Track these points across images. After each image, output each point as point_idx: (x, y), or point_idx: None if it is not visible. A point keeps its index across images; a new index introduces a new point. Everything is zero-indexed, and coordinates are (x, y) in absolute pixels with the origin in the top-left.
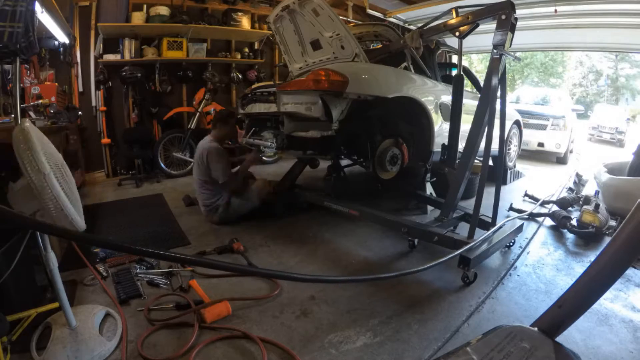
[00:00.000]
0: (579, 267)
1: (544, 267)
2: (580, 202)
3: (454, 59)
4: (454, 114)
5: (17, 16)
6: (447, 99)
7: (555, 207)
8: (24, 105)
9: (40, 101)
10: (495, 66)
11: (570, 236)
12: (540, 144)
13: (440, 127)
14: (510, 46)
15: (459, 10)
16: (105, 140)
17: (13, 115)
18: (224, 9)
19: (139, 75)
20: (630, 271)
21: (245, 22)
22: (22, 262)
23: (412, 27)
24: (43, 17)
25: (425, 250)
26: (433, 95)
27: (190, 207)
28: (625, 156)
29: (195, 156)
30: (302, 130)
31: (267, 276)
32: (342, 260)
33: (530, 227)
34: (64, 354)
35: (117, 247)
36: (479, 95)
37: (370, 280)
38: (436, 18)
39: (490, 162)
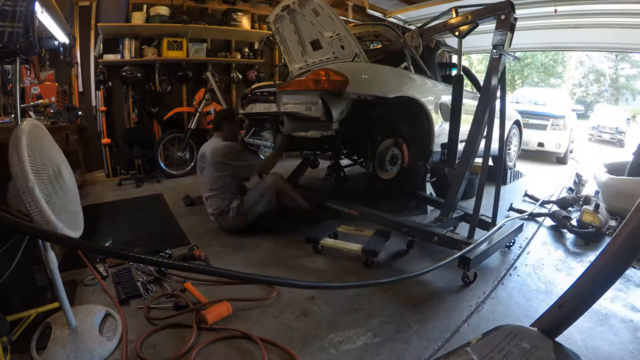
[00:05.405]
0: (579, 267)
1: (544, 267)
2: (580, 202)
3: (454, 59)
4: (453, 114)
5: (17, 16)
6: (447, 98)
7: (555, 207)
8: (24, 105)
9: (40, 101)
10: (494, 66)
11: (570, 236)
12: (540, 144)
13: (440, 127)
14: (509, 46)
15: (459, 10)
16: (105, 140)
17: (13, 115)
18: (224, 9)
19: (139, 75)
20: (630, 271)
21: (245, 22)
22: (22, 262)
23: (412, 27)
24: (43, 17)
25: (424, 249)
26: (433, 95)
27: (190, 207)
28: (625, 156)
29: (203, 160)
30: (302, 130)
31: (266, 283)
32: (342, 260)
33: (530, 227)
34: (64, 354)
35: (109, 253)
36: (479, 95)
37: (370, 285)
38: (436, 18)
39: (491, 162)
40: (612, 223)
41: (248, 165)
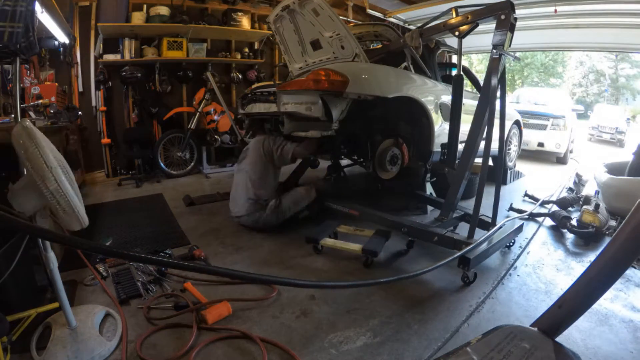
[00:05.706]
0: (579, 267)
1: (544, 267)
2: (580, 202)
3: (454, 59)
4: (453, 114)
5: (17, 16)
6: (447, 98)
7: (555, 207)
8: (24, 105)
9: (40, 101)
10: (494, 66)
11: (570, 236)
12: (540, 144)
13: (440, 127)
14: (509, 46)
15: (459, 10)
16: (105, 140)
17: (13, 115)
18: (224, 9)
19: (139, 75)
20: (630, 271)
21: (245, 22)
22: (22, 262)
23: (412, 27)
24: (43, 17)
25: (424, 249)
26: (433, 95)
27: (190, 207)
28: (625, 156)
29: (255, 154)
30: (302, 130)
31: (265, 282)
32: (343, 260)
33: (530, 227)
34: (64, 354)
35: (109, 253)
36: (479, 95)
37: (370, 285)
38: (436, 18)
39: (491, 162)
40: (612, 223)
41: (287, 153)
